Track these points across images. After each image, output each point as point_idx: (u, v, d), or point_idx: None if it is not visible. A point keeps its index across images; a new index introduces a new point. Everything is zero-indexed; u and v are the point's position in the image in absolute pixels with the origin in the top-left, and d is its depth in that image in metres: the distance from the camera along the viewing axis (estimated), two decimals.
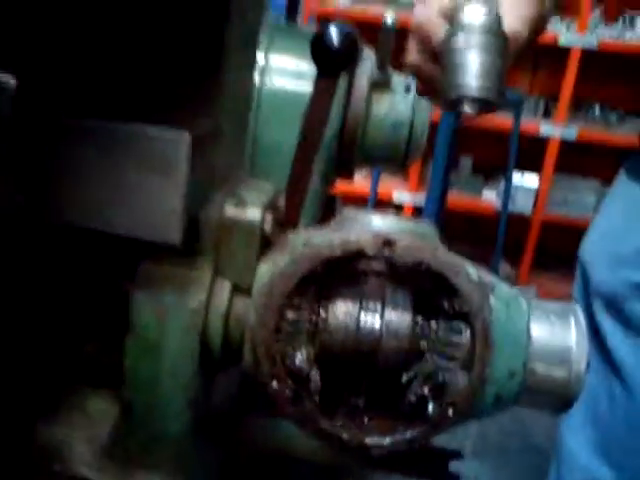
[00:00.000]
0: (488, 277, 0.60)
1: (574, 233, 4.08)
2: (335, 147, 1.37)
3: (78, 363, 0.67)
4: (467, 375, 0.57)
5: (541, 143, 3.66)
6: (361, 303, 0.59)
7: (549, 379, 0.58)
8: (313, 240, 0.59)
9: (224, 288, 0.59)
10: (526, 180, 3.76)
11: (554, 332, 0.59)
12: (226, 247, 0.58)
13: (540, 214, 3.71)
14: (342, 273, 0.60)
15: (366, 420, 0.61)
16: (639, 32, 3.52)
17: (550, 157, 3.63)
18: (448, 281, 0.57)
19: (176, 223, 0.52)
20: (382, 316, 0.59)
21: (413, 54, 0.74)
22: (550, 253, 3.88)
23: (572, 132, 3.58)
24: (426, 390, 0.57)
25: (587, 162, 3.93)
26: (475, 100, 0.65)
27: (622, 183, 1.23)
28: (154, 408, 0.59)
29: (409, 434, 0.58)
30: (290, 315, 0.58)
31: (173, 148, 0.52)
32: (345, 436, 0.58)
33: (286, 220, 0.86)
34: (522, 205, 3.71)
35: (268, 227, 0.58)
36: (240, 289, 0.60)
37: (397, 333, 0.58)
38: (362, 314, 0.59)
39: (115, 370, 0.61)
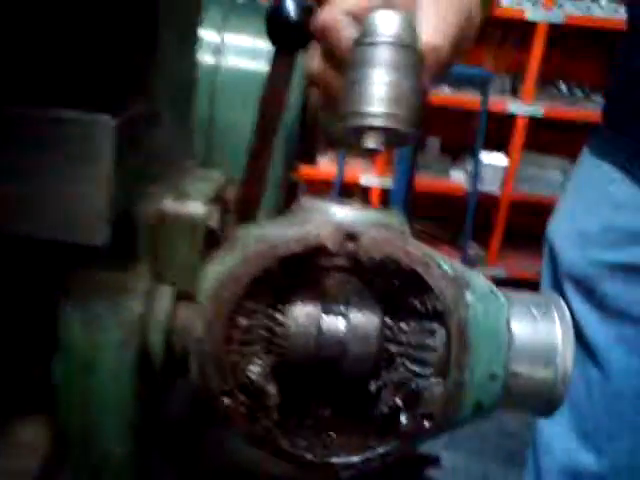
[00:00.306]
0: (463, 271, 0.54)
1: (542, 212, 4.09)
2: (297, 129, 1.30)
3: (16, 387, 0.59)
4: (443, 381, 0.51)
5: (509, 121, 3.63)
6: (323, 305, 0.53)
7: (533, 381, 0.52)
8: (267, 235, 0.52)
9: (165, 295, 0.52)
10: (494, 159, 3.73)
11: (537, 329, 0.53)
12: (166, 247, 0.51)
13: (508, 193, 3.70)
14: (301, 272, 0.54)
15: (333, 436, 0.55)
16: (605, 7, 3.51)
17: (518, 135, 3.61)
18: (419, 277, 0.50)
19: (102, 222, 0.45)
20: (347, 318, 0.52)
21: (316, 60, 0.62)
22: (519, 233, 3.88)
23: (539, 109, 3.57)
24: (398, 400, 0.51)
25: (555, 139, 3.92)
26: (380, 130, 0.54)
27: (586, 160, 1.19)
28: (91, 433, 0.52)
29: (381, 449, 0.51)
30: (242, 322, 0.51)
31: (95, 134, 0.44)
32: (309, 457, 0.51)
33: (243, 209, 0.79)
34: (490, 184, 3.69)
35: (214, 222, 0.51)
36: (184, 295, 0.52)
37: (364, 337, 0.52)
38: (324, 317, 0.53)
39: (48, 392, 0.53)
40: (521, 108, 3.44)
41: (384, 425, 0.52)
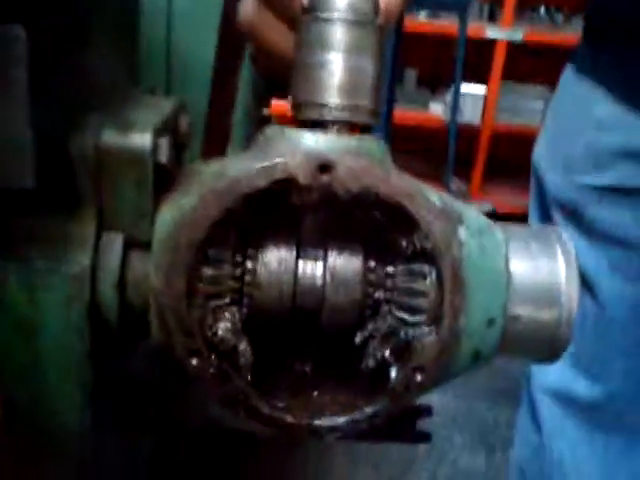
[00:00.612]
0: (454, 203, 0.48)
1: (524, 142, 4.02)
2: None
3: None
4: (436, 329, 0.45)
5: (487, 47, 3.52)
6: (298, 248, 0.46)
7: (536, 324, 0.47)
8: (227, 170, 0.45)
9: (114, 244, 0.45)
10: (473, 89, 3.63)
11: (538, 266, 0.47)
12: (110, 187, 0.43)
13: (489, 123, 3.62)
14: (270, 211, 0.47)
15: (315, 395, 0.49)
16: None
17: (497, 62, 3.51)
18: (405, 212, 0.44)
19: (25, 158, 0.37)
20: (325, 262, 0.46)
21: (249, 4, 0.49)
22: (501, 165, 3.83)
23: (518, 34, 3.45)
24: (387, 352, 0.46)
25: (535, 67, 3.82)
26: (336, 123, 0.46)
27: (567, 82, 1.12)
28: (38, 400, 0.46)
29: (369, 409, 0.46)
30: (206, 272, 0.45)
31: (6, 46, 0.36)
32: (289, 419, 0.46)
33: (209, 145, 0.71)
34: (470, 115, 3.60)
35: (164, 157, 0.43)
36: (136, 243, 0.45)
37: (345, 283, 0.46)
38: (300, 262, 0.46)
39: None
40: (500, 33, 3.32)
41: (372, 381, 0.47)
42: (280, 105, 1.47)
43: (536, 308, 0.47)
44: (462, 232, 0.45)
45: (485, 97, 3.62)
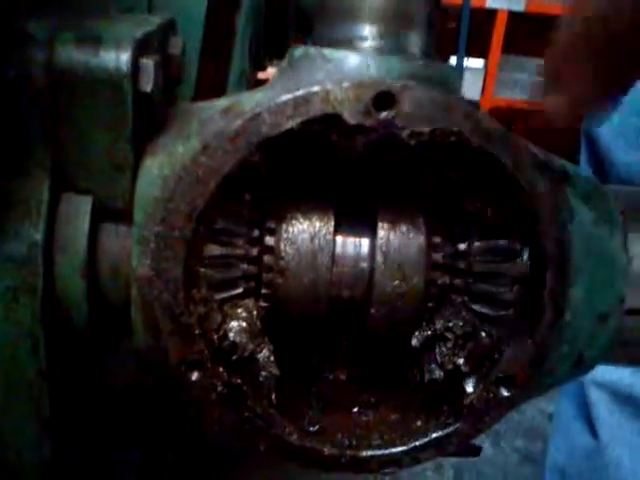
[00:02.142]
0: (557, 159, 0.35)
1: (523, 117, 3.90)
2: (262, 14, 1.07)
3: None
4: (529, 328, 0.32)
5: (487, 18, 3.37)
6: (336, 218, 0.33)
7: None
8: (242, 104, 0.31)
9: (79, 211, 0.31)
10: (472, 62, 3.49)
11: None
12: (70, 128, 0.30)
13: (489, 98, 3.49)
14: (299, 165, 0.34)
15: (355, 411, 0.37)
16: None
17: (498, 33, 3.36)
18: (495, 164, 0.31)
19: None
20: (373, 238, 0.33)
21: None
22: None
23: (520, 3, 3.32)
24: (461, 360, 0.33)
25: (536, 40, 3.68)
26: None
27: None
28: None
29: (436, 433, 0.33)
30: (212, 251, 0.32)
31: None
32: (328, 450, 0.33)
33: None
34: (470, 90, 3.46)
35: (149, 83, 0.29)
36: (110, 210, 0.32)
37: (401, 265, 0.33)
38: (339, 237, 0.33)
39: None
40: (501, 2, 3.18)
41: (438, 396, 0.34)
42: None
43: None
44: (571, 194, 0.32)
45: (485, 71, 3.49)
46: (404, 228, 0.34)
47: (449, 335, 0.33)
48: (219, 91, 0.93)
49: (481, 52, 3.61)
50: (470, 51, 3.51)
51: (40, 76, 0.29)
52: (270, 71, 1.28)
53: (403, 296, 0.34)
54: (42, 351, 0.31)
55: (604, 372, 1.00)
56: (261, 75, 1.30)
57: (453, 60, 3.42)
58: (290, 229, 0.33)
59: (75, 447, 0.39)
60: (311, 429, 0.35)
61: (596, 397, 1.01)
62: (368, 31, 0.33)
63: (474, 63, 3.59)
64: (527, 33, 3.62)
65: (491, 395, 0.33)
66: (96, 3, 0.38)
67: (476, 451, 0.50)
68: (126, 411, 0.52)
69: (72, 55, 0.29)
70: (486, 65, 3.54)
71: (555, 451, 1.09)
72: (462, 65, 3.16)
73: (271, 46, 1.21)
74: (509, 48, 3.58)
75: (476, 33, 3.46)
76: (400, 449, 0.34)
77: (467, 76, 3.43)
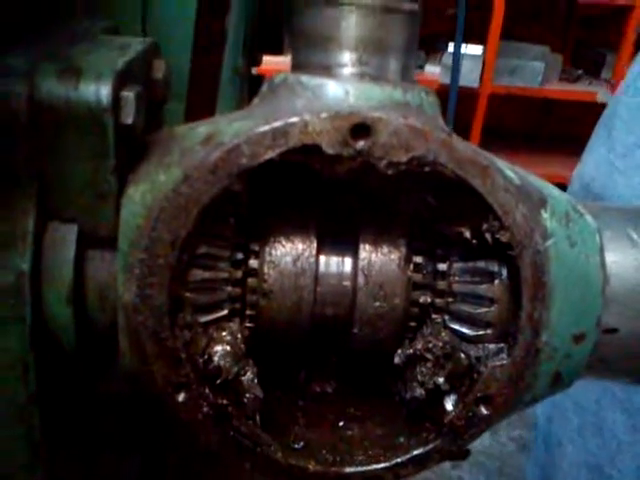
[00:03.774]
0: (529, 177, 0.35)
1: (522, 105, 3.87)
2: (257, 8, 1.07)
3: None
4: (507, 348, 0.33)
5: (485, 3, 3.34)
6: (319, 239, 0.34)
7: (638, 339, 0.35)
8: (222, 134, 0.32)
9: (65, 239, 0.32)
10: (471, 49, 3.46)
11: None
12: (54, 160, 0.30)
13: (488, 85, 3.46)
14: (281, 191, 0.34)
15: (340, 425, 0.38)
16: None
17: (496, 17, 3.33)
18: (471, 190, 0.32)
19: None
20: (355, 258, 0.34)
21: None
22: (498, 130, 3.68)
23: None
24: (440, 379, 0.34)
25: (534, 25, 3.65)
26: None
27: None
28: None
29: (417, 450, 0.34)
30: (196, 275, 0.32)
31: None
32: (312, 467, 0.34)
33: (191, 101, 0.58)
34: (469, 77, 3.44)
35: (130, 115, 0.30)
36: (95, 238, 0.32)
37: (382, 286, 0.34)
38: (322, 258, 0.34)
39: None
40: None
41: (419, 414, 0.35)
42: (273, 64, 1.31)
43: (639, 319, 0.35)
44: (546, 217, 0.33)
45: (483, 57, 3.46)
46: (385, 249, 0.35)
47: (429, 355, 0.34)
48: (212, 89, 0.93)
49: (480, 39, 3.57)
50: (468, 38, 3.48)
51: (22, 108, 0.29)
52: (265, 64, 1.28)
53: (384, 316, 0.35)
54: (32, 376, 0.32)
55: None
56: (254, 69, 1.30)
57: (451, 47, 3.39)
58: (273, 252, 0.34)
59: (70, 466, 0.40)
60: (296, 446, 0.36)
61: None
62: (346, 57, 0.33)
63: (473, 50, 3.56)
64: (526, 19, 3.59)
65: (470, 414, 0.34)
66: (80, 22, 0.39)
67: (464, 455, 0.51)
68: (124, 416, 0.53)
69: (53, 88, 0.29)
70: (485, 52, 3.51)
71: None
72: (460, 52, 3.14)
73: (265, 42, 1.21)
74: (508, 34, 3.55)
75: (474, 19, 3.42)
76: (383, 465, 0.35)
77: (466, 63, 3.40)
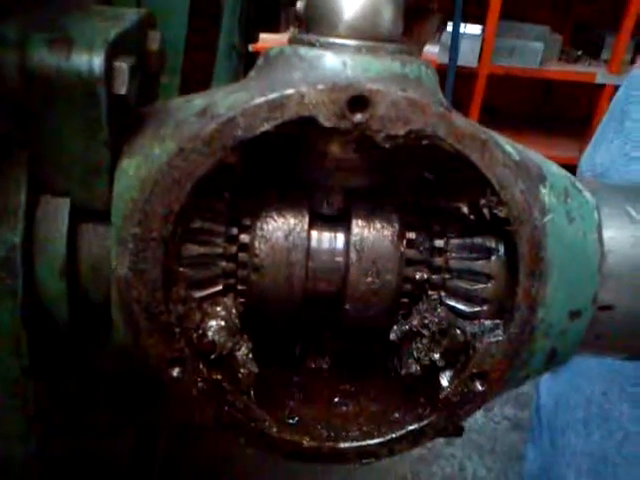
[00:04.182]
0: (529, 153, 0.35)
1: (521, 85, 3.84)
2: None
3: None
4: (503, 325, 0.33)
5: None
6: (310, 214, 0.34)
7: (634, 316, 0.35)
8: (218, 106, 0.31)
9: (57, 213, 0.32)
10: (469, 28, 3.42)
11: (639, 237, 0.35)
12: (46, 131, 0.30)
13: (486, 65, 3.43)
14: (275, 164, 0.34)
15: (336, 401, 0.38)
16: None
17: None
18: (469, 164, 0.31)
19: None
20: (348, 233, 0.34)
21: None
22: (497, 110, 3.66)
23: None
24: (436, 355, 0.34)
25: (533, 4, 3.61)
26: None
27: None
28: None
29: (412, 426, 0.34)
30: (190, 250, 0.32)
31: None
32: (307, 442, 0.34)
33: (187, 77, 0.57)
34: (468, 57, 3.41)
35: (124, 86, 0.29)
36: (88, 211, 0.32)
37: (375, 260, 0.33)
38: (313, 233, 0.34)
39: None
40: None
41: (414, 390, 0.35)
42: (270, 41, 1.30)
43: (637, 296, 0.35)
44: (545, 193, 0.33)
45: (482, 37, 3.43)
46: (378, 225, 0.34)
47: (425, 332, 0.34)
48: (208, 66, 0.92)
49: (479, 18, 3.54)
50: (467, 17, 3.44)
51: (13, 78, 0.29)
52: (261, 42, 1.26)
53: (377, 292, 0.34)
54: (25, 350, 0.31)
55: None
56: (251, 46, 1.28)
57: (450, 27, 3.36)
58: (265, 226, 0.34)
59: (63, 438, 0.40)
60: (290, 421, 0.36)
61: None
62: (344, 32, 0.33)
63: (471, 29, 3.52)
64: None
65: (466, 389, 0.34)
66: None
67: (458, 431, 0.51)
68: (116, 395, 0.53)
69: (44, 58, 0.28)
70: (484, 31, 3.48)
71: None
72: (459, 31, 3.11)
73: (262, 20, 1.20)
74: (507, 14, 3.51)
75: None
76: (377, 441, 0.35)
77: (464, 43, 3.37)
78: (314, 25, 0.34)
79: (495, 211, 0.32)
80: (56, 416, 0.36)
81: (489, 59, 3.46)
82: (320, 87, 0.29)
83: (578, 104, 3.68)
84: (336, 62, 0.32)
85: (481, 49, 3.45)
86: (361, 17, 0.32)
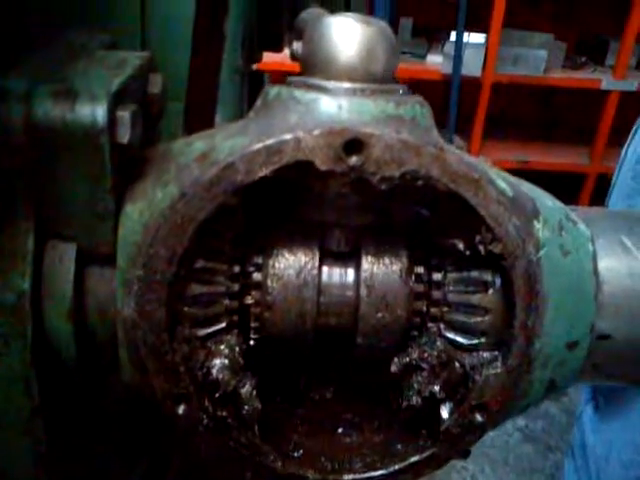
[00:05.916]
0: (522, 186, 0.35)
1: (526, 93, 3.84)
2: (255, 6, 1.07)
3: None
4: (501, 357, 0.34)
5: None
6: (321, 250, 0.35)
7: (631, 345, 0.36)
8: (218, 150, 0.32)
9: (64, 258, 0.33)
10: (473, 37, 3.43)
11: (634, 267, 0.36)
12: (51, 180, 0.31)
13: (490, 74, 3.44)
14: (281, 202, 0.35)
15: (340, 432, 0.38)
16: None
17: (499, 7, 3.30)
18: (463, 203, 0.32)
19: None
20: (358, 269, 0.35)
21: None
22: (502, 119, 3.66)
23: None
24: (436, 387, 0.34)
25: (536, 14, 3.61)
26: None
27: None
28: None
29: (414, 457, 0.35)
30: (193, 290, 0.33)
31: None
32: (311, 475, 0.35)
33: (189, 109, 0.58)
34: (472, 66, 3.41)
35: (126, 135, 0.31)
36: (94, 255, 0.33)
37: (384, 297, 0.34)
38: (324, 269, 0.35)
39: None
40: None
41: (417, 421, 0.36)
42: (273, 60, 1.31)
43: (633, 325, 0.35)
44: (539, 228, 0.33)
45: (486, 46, 3.44)
46: (387, 260, 0.35)
47: (424, 365, 0.35)
48: (211, 88, 0.93)
49: (482, 27, 3.55)
50: (470, 26, 3.45)
51: (19, 132, 0.30)
52: (265, 62, 1.28)
53: (387, 326, 0.35)
54: (35, 390, 0.32)
55: None
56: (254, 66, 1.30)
57: (453, 36, 3.36)
58: (276, 264, 0.34)
59: (76, 464, 0.41)
60: (295, 454, 0.36)
61: None
62: (339, 75, 0.34)
63: (475, 38, 3.53)
64: (529, 7, 3.56)
65: (466, 421, 0.34)
66: (78, 34, 0.39)
67: (465, 454, 0.51)
68: (129, 418, 0.54)
69: (49, 110, 0.30)
70: (487, 40, 3.49)
71: None
72: (462, 40, 3.12)
73: (265, 40, 1.21)
74: (510, 22, 3.52)
75: (476, 7, 3.40)
76: (380, 473, 0.35)
77: (468, 52, 3.38)
78: (310, 67, 0.35)
79: (490, 247, 0.32)
80: (68, 455, 0.37)
81: (493, 68, 3.46)
82: (316, 132, 0.30)
83: (584, 111, 3.67)
84: (332, 105, 0.33)
85: (485, 58, 3.45)
86: (356, 60, 0.33)
